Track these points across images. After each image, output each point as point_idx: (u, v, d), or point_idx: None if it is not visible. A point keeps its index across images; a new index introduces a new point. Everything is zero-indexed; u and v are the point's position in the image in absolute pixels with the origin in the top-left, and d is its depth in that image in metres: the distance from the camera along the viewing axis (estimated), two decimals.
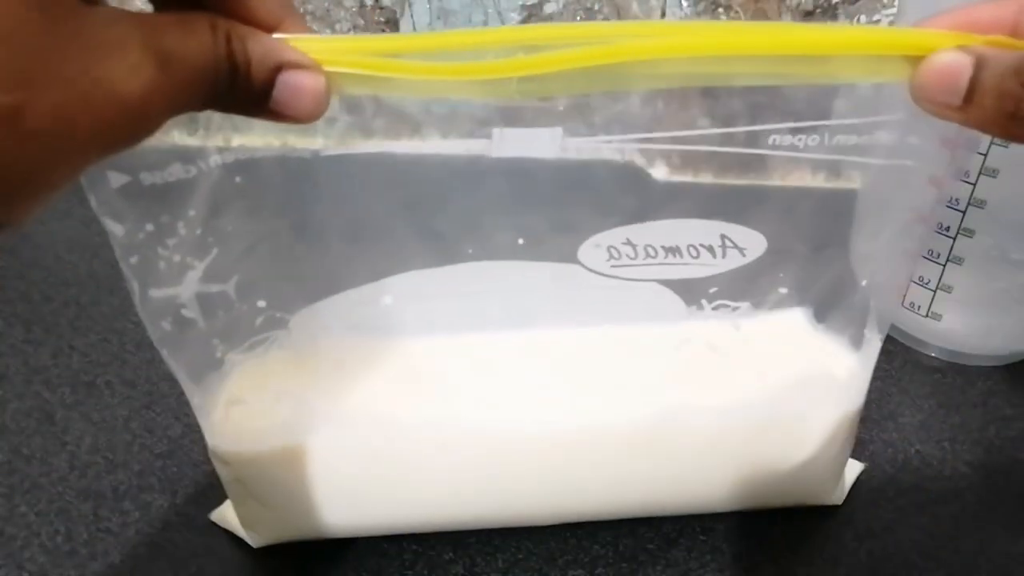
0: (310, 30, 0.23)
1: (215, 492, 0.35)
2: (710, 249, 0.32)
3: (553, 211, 0.31)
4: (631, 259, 0.33)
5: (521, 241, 0.32)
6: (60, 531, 0.36)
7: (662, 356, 0.35)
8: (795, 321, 0.36)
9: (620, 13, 0.58)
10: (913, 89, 0.22)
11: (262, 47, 0.21)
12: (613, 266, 0.33)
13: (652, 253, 0.33)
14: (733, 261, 0.33)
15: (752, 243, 0.32)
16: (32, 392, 0.43)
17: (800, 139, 0.28)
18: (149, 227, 0.27)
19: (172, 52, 0.18)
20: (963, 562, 0.35)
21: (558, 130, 0.27)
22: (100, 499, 0.38)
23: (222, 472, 0.33)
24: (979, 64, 0.20)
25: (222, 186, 0.27)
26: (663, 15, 0.57)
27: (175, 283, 0.28)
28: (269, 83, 0.22)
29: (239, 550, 0.35)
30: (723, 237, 0.32)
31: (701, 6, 0.55)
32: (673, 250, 0.33)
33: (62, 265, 0.53)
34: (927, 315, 0.45)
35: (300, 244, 0.31)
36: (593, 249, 0.32)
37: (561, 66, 0.22)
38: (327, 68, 0.22)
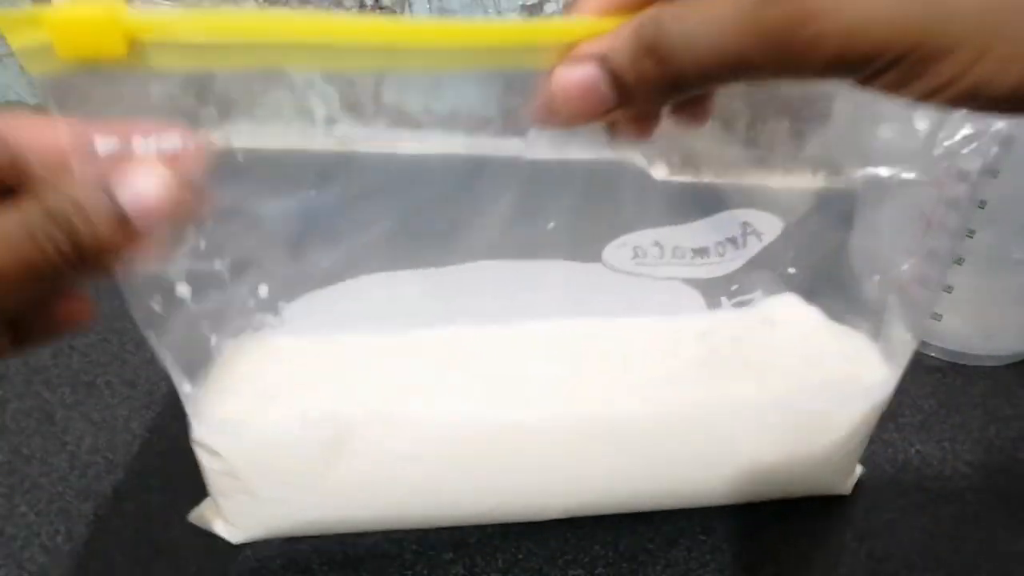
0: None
1: None
2: (733, 241, 0.33)
3: (579, 212, 0.31)
4: (657, 259, 0.33)
5: (541, 240, 0.32)
6: (60, 531, 0.36)
7: (682, 348, 0.35)
8: (813, 315, 0.36)
9: None
10: (557, 109, 0.21)
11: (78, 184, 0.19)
12: (637, 264, 0.33)
13: (680, 254, 0.33)
14: (753, 248, 0.33)
15: (770, 226, 0.33)
16: (32, 392, 0.43)
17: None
18: None
19: None
20: (963, 562, 0.35)
21: (599, 133, 0.27)
22: (100, 499, 0.37)
23: (209, 464, 0.32)
24: (605, 64, 0.20)
25: (223, 158, 0.26)
26: None
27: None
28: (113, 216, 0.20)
29: (239, 550, 0.35)
30: (744, 225, 0.32)
31: None
32: (701, 251, 0.33)
33: None
34: (928, 316, 0.45)
35: (301, 229, 0.30)
36: (619, 248, 0.33)
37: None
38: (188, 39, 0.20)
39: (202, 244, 0.28)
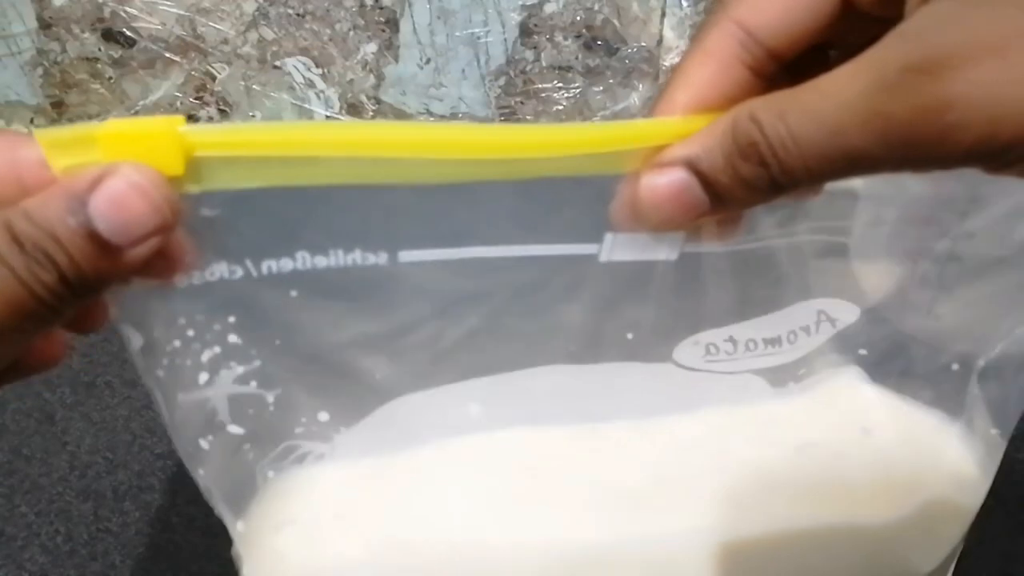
0: None
1: None
2: (806, 329, 0.31)
3: (653, 311, 0.29)
4: (729, 354, 0.31)
5: (608, 343, 0.30)
6: (60, 531, 0.36)
7: (766, 454, 0.33)
8: (886, 400, 0.34)
9: (620, 13, 0.58)
10: (645, 215, 0.20)
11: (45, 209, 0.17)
12: (709, 361, 0.31)
13: (752, 347, 0.31)
14: (825, 334, 0.31)
15: (846, 313, 0.31)
16: (32, 392, 0.43)
17: None
18: (180, 329, 0.24)
19: None
20: (963, 562, 0.35)
21: (679, 235, 0.25)
22: (100, 499, 0.37)
23: None
24: (695, 168, 0.18)
25: (273, 297, 0.24)
26: (663, 15, 0.57)
27: (207, 383, 0.26)
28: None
29: None
30: (819, 313, 0.31)
31: (701, 6, 0.55)
32: (773, 341, 0.31)
33: None
34: (927, 315, 0.45)
35: (357, 356, 0.28)
36: (691, 347, 0.31)
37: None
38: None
39: (245, 374, 0.27)
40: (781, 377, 0.33)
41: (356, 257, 0.23)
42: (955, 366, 0.31)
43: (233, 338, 0.25)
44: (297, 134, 0.19)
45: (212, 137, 0.19)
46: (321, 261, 0.23)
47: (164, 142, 0.18)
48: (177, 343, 0.24)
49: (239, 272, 0.22)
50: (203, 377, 0.25)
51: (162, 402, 0.25)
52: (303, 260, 0.23)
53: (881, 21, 0.18)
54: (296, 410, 0.29)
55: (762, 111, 0.17)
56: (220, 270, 0.22)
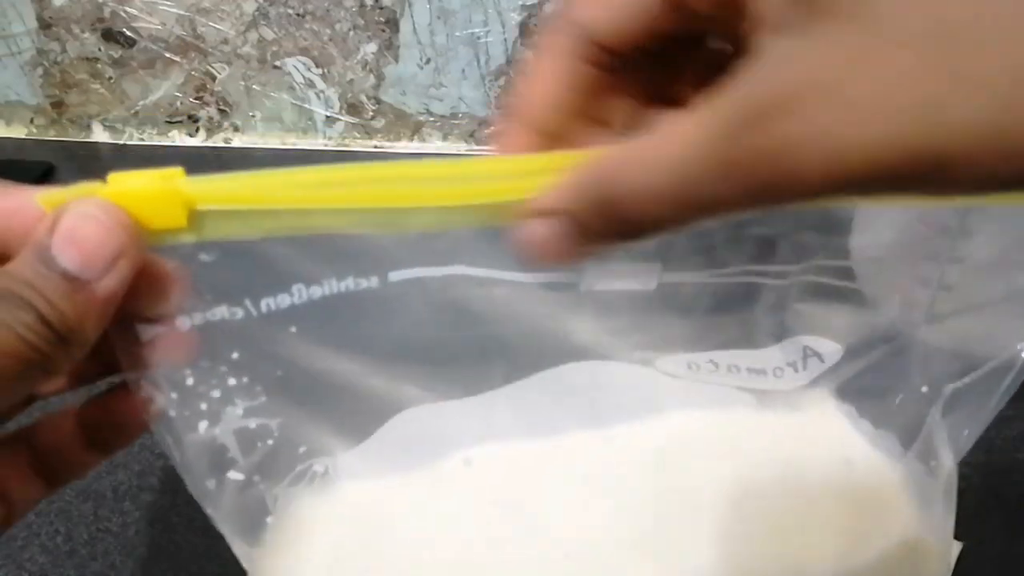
0: None
1: None
2: (793, 365, 0.32)
3: (635, 330, 0.30)
4: (712, 372, 0.32)
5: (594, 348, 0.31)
6: (60, 531, 0.36)
7: (740, 466, 0.33)
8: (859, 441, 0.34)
9: None
10: (529, 260, 0.20)
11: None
12: (691, 373, 0.32)
13: (735, 371, 0.32)
14: (813, 371, 0.32)
15: (830, 350, 0.32)
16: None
17: None
18: (185, 378, 0.24)
19: None
20: (963, 562, 0.35)
21: (657, 265, 0.26)
22: (100, 499, 0.37)
23: None
24: (568, 216, 0.18)
25: (273, 334, 0.25)
26: None
27: (214, 422, 0.26)
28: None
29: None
30: (805, 348, 0.32)
31: None
32: (758, 371, 0.32)
33: None
34: (928, 317, 0.45)
35: (358, 378, 0.29)
36: (672, 363, 0.32)
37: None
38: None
39: (249, 409, 0.27)
40: (768, 399, 0.33)
41: (349, 284, 0.24)
42: (924, 388, 0.32)
43: (237, 374, 0.25)
44: (292, 187, 0.19)
45: (211, 192, 0.19)
46: (316, 291, 0.24)
47: (165, 199, 0.19)
48: (187, 383, 0.24)
49: (240, 313, 0.23)
50: (210, 415, 0.26)
51: (172, 444, 0.25)
52: (299, 293, 0.23)
53: (720, 20, 0.18)
54: (302, 436, 0.29)
55: (607, 169, 0.17)
56: (221, 312, 0.23)
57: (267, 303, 0.23)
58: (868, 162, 0.15)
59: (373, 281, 0.24)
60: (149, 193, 0.19)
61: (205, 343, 0.23)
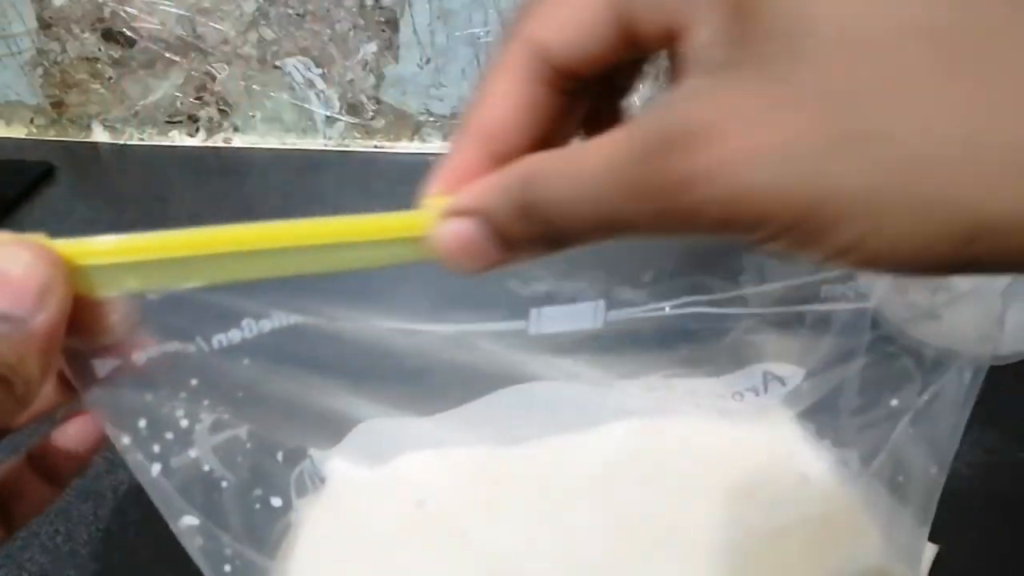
0: None
1: None
2: (754, 390, 0.33)
3: (589, 364, 0.31)
4: (669, 392, 0.33)
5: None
6: (60, 531, 0.36)
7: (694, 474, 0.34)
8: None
9: None
10: (445, 262, 0.20)
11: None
12: (650, 392, 0.33)
13: (693, 393, 0.33)
14: (776, 393, 0.33)
15: (792, 375, 0.32)
16: None
17: (850, 287, 0.29)
18: (148, 409, 0.25)
19: None
20: (963, 562, 0.35)
21: (601, 303, 0.27)
22: (100, 499, 0.37)
23: None
24: (486, 218, 0.19)
25: (229, 367, 0.25)
26: None
27: (191, 442, 0.26)
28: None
29: None
30: (766, 374, 0.32)
31: None
32: (718, 395, 0.33)
33: None
34: (934, 320, 0.45)
35: (318, 399, 0.30)
36: (630, 387, 0.33)
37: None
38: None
39: (216, 423, 0.27)
40: (728, 418, 0.34)
41: (297, 317, 0.25)
42: (894, 402, 0.32)
43: (198, 397, 0.26)
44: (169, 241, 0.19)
45: (81, 250, 0.19)
46: (267, 325, 0.24)
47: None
48: (151, 413, 0.25)
49: (192, 348, 0.23)
50: (185, 438, 0.26)
51: (160, 474, 0.25)
52: (249, 327, 0.24)
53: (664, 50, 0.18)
54: (276, 443, 0.30)
55: (533, 174, 0.18)
56: (174, 346, 0.23)
57: (218, 340, 0.24)
58: (755, 205, 0.15)
59: (321, 320, 0.25)
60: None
61: (162, 373, 0.23)
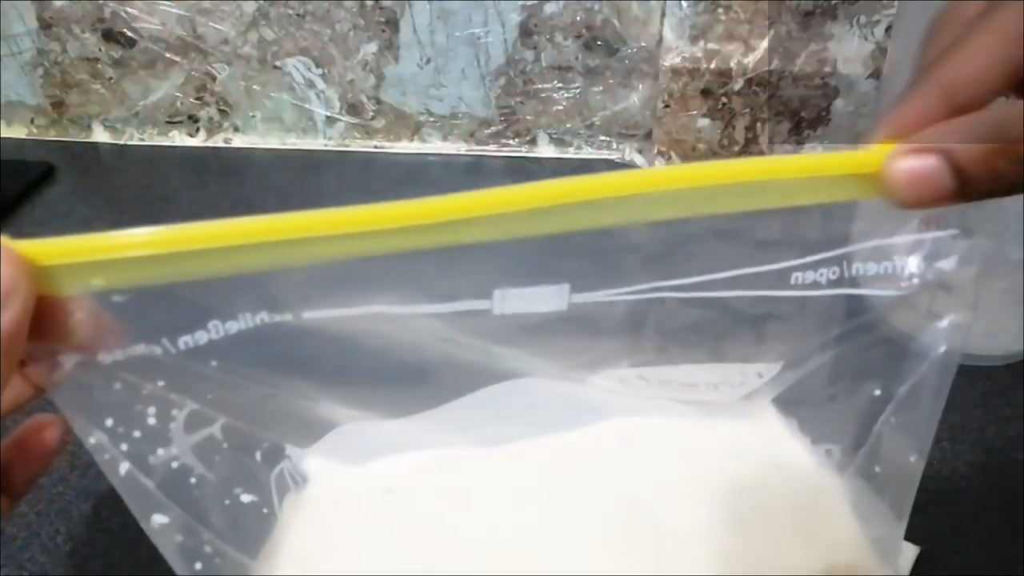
0: None
1: None
2: (728, 381, 0.33)
3: (560, 354, 0.31)
4: (643, 387, 0.33)
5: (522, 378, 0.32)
6: (60, 531, 0.36)
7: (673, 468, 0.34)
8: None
9: (620, 13, 0.58)
10: (894, 193, 0.22)
11: None
12: (624, 386, 0.33)
13: (668, 385, 0.33)
14: (751, 384, 0.33)
15: (768, 369, 0.33)
16: None
17: (821, 273, 0.28)
18: (116, 410, 0.24)
19: None
20: (963, 562, 0.35)
21: (565, 286, 0.27)
22: (100, 499, 0.37)
23: None
24: (948, 156, 0.20)
25: (196, 369, 0.25)
26: (663, 16, 0.57)
27: (169, 442, 0.26)
28: None
29: None
30: (741, 365, 0.32)
31: (701, 6, 0.55)
32: (691, 385, 0.33)
33: None
34: (926, 314, 0.45)
35: (287, 400, 0.30)
36: (603, 380, 0.32)
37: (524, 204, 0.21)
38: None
39: (189, 417, 0.27)
40: (706, 409, 0.34)
41: (264, 317, 0.24)
42: (876, 391, 0.31)
43: (166, 394, 0.26)
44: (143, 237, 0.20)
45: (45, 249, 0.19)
46: (233, 326, 0.24)
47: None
48: (131, 409, 0.25)
49: (158, 350, 0.23)
50: (158, 437, 0.26)
51: (129, 472, 0.25)
52: (216, 329, 0.24)
53: None
54: (252, 440, 0.30)
55: (1012, 117, 0.19)
56: (140, 349, 0.23)
57: (185, 341, 0.23)
58: None
59: (287, 317, 0.25)
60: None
61: (129, 374, 0.23)
